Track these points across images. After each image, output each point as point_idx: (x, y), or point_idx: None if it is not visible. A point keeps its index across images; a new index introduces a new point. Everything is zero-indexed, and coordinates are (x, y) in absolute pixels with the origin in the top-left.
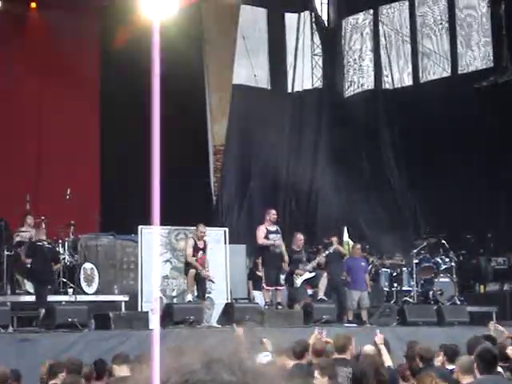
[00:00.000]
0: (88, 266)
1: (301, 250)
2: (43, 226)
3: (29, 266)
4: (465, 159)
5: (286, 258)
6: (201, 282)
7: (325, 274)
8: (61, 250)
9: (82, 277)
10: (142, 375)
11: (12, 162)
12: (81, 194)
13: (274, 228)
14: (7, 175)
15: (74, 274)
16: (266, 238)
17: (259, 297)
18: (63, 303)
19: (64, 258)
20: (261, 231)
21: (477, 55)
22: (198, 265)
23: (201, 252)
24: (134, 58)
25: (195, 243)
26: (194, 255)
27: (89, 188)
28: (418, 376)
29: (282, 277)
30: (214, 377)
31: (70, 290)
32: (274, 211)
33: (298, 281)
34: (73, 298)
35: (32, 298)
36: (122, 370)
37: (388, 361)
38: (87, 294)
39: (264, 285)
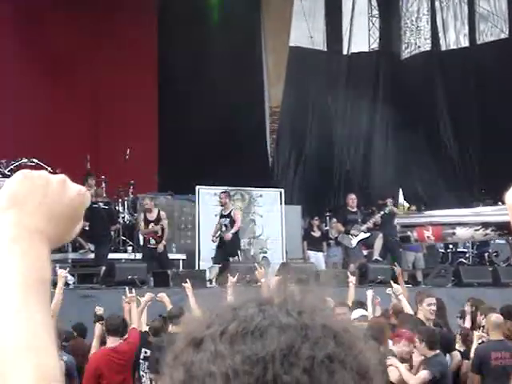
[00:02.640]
0: None
1: (356, 211)
2: (103, 185)
3: (87, 228)
4: None
5: None
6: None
7: (380, 235)
8: (120, 209)
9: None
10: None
11: (71, 123)
12: (139, 155)
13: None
14: (67, 136)
15: (133, 232)
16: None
17: (314, 257)
18: (123, 261)
19: (124, 217)
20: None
21: None
22: (149, 236)
23: (152, 224)
24: (190, 18)
25: (145, 216)
26: (145, 227)
27: (147, 148)
28: None
29: None
30: (272, 320)
31: (130, 248)
32: (353, 196)
33: (354, 241)
34: (132, 256)
35: (93, 255)
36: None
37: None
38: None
39: None
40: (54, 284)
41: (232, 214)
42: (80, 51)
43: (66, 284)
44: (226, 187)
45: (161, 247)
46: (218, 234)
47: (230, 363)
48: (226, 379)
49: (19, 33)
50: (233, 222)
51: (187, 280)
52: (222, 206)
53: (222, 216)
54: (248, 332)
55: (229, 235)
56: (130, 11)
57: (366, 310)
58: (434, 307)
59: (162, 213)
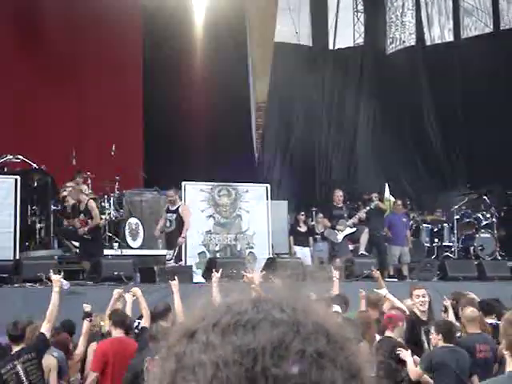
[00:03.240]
0: (133, 220)
1: (342, 206)
2: (89, 181)
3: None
4: (507, 116)
5: None
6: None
7: (366, 230)
8: (106, 205)
9: (127, 231)
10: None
11: (56, 119)
12: (124, 151)
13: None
14: (52, 133)
15: (119, 228)
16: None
17: (300, 252)
18: (109, 257)
19: (110, 213)
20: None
21: None
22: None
23: (82, 215)
24: (174, 13)
25: (73, 207)
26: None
27: (133, 144)
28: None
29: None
30: (265, 315)
31: (116, 244)
32: (339, 193)
33: (339, 236)
34: (118, 252)
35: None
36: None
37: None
38: (132, 248)
39: None
40: None
41: (180, 209)
42: (66, 48)
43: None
44: (211, 183)
45: (81, 231)
46: (160, 228)
47: (220, 353)
48: (216, 369)
49: (11, 31)
50: (180, 218)
51: (175, 277)
52: (170, 202)
53: (168, 211)
54: (240, 325)
55: (182, 240)
56: (116, 10)
57: (347, 305)
58: (423, 298)
59: (91, 203)
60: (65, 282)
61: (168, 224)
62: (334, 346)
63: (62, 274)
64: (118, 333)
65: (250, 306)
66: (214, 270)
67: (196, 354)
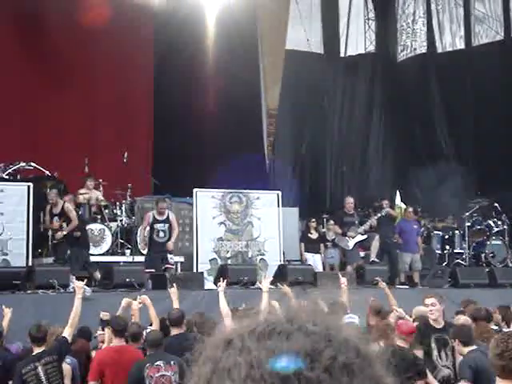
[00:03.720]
0: None
1: (353, 213)
2: (101, 188)
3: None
4: None
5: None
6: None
7: (377, 237)
8: (118, 212)
9: (138, 238)
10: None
11: (69, 126)
12: (137, 158)
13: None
14: (65, 140)
15: (131, 235)
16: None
17: (311, 259)
18: (121, 264)
19: (121, 220)
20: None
21: None
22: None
23: (56, 217)
24: (186, 20)
25: (50, 210)
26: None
27: (144, 151)
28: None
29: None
30: (299, 326)
31: (128, 251)
32: (350, 199)
33: (351, 243)
34: (130, 259)
35: (93, 259)
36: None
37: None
38: (144, 255)
39: None
40: None
41: (170, 218)
42: (78, 55)
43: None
44: (223, 189)
45: (59, 234)
46: (146, 240)
47: (255, 354)
48: (250, 368)
49: (18, 34)
50: (171, 227)
51: (173, 285)
52: (160, 213)
53: (157, 222)
54: (275, 332)
55: (170, 244)
56: (128, 14)
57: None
58: (432, 307)
59: (68, 205)
60: (88, 288)
61: (162, 234)
62: (363, 359)
63: (86, 280)
64: (117, 341)
65: (285, 318)
66: (220, 279)
67: (232, 357)
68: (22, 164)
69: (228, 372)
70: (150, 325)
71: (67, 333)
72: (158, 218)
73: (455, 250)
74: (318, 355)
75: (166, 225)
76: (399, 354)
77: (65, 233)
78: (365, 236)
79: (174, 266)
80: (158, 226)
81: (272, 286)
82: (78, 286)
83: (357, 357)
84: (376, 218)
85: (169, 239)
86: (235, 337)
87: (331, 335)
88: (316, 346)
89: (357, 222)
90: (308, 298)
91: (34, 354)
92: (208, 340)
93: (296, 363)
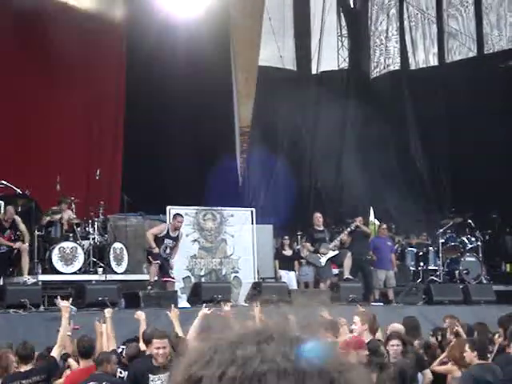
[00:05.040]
0: (117, 245)
1: (323, 230)
2: (73, 207)
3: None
4: (490, 139)
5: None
6: None
7: (349, 254)
8: (90, 230)
9: (111, 256)
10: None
11: (40, 144)
12: (108, 175)
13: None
14: (35, 157)
15: (103, 253)
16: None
17: (285, 276)
18: (93, 282)
19: (94, 238)
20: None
21: (503, 35)
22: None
23: (8, 231)
24: (159, 37)
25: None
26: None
27: (116, 169)
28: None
29: None
30: (270, 366)
31: (100, 270)
32: (318, 215)
33: (323, 260)
34: (103, 277)
35: (62, 278)
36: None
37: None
38: (117, 274)
39: None
40: None
41: (179, 235)
42: (46, 70)
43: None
44: (196, 207)
45: (18, 244)
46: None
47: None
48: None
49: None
50: (175, 245)
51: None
52: (175, 229)
53: (169, 237)
54: (247, 378)
55: (173, 262)
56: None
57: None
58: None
59: (18, 218)
60: (73, 308)
61: (168, 251)
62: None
63: (71, 300)
64: (83, 363)
65: (255, 350)
66: (203, 306)
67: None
68: None
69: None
70: (128, 341)
71: (56, 352)
72: (172, 234)
73: (429, 267)
74: None
75: (174, 243)
76: None
77: (17, 245)
78: (336, 252)
79: (175, 281)
80: (167, 241)
81: (246, 304)
82: (65, 306)
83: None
84: (347, 232)
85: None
86: (205, 377)
87: (305, 373)
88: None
89: (327, 238)
90: (278, 314)
91: (21, 371)
92: (176, 368)
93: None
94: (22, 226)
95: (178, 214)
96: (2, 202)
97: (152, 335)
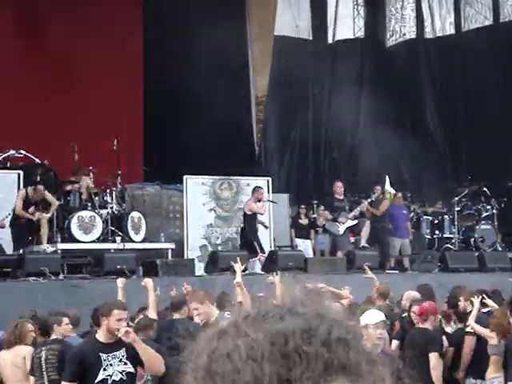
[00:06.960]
0: (135, 214)
1: (343, 199)
2: (91, 176)
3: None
4: (506, 107)
5: None
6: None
7: (367, 223)
8: (108, 200)
9: (129, 225)
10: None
11: (59, 114)
12: (126, 145)
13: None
14: (53, 126)
15: (121, 222)
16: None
17: (301, 245)
18: (112, 251)
19: (112, 207)
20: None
21: None
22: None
23: (32, 207)
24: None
25: (27, 196)
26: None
27: (133, 138)
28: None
29: None
30: (290, 309)
31: (118, 238)
32: (339, 184)
33: (341, 228)
34: (121, 246)
35: (81, 246)
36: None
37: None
38: (135, 242)
39: None
40: None
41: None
42: (68, 40)
43: None
44: (213, 176)
45: (37, 215)
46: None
47: (253, 337)
48: (250, 349)
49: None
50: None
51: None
52: (260, 201)
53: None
54: (269, 316)
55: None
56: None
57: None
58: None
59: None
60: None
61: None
62: (354, 335)
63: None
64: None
65: (274, 305)
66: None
67: (230, 342)
68: (12, 152)
69: (227, 356)
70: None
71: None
72: (261, 211)
73: (445, 235)
74: (313, 331)
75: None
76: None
77: (49, 215)
78: (355, 221)
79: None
80: (261, 218)
81: (262, 273)
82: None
83: (348, 333)
84: (367, 202)
85: None
86: (229, 326)
87: (321, 315)
88: (309, 324)
89: (347, 207)
90: (297, 284)
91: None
92: (201, 335)
93: (294, 341)
94: (50, 197)
95: (258, 186)
96: (21, 172)
97: (184, 301)
